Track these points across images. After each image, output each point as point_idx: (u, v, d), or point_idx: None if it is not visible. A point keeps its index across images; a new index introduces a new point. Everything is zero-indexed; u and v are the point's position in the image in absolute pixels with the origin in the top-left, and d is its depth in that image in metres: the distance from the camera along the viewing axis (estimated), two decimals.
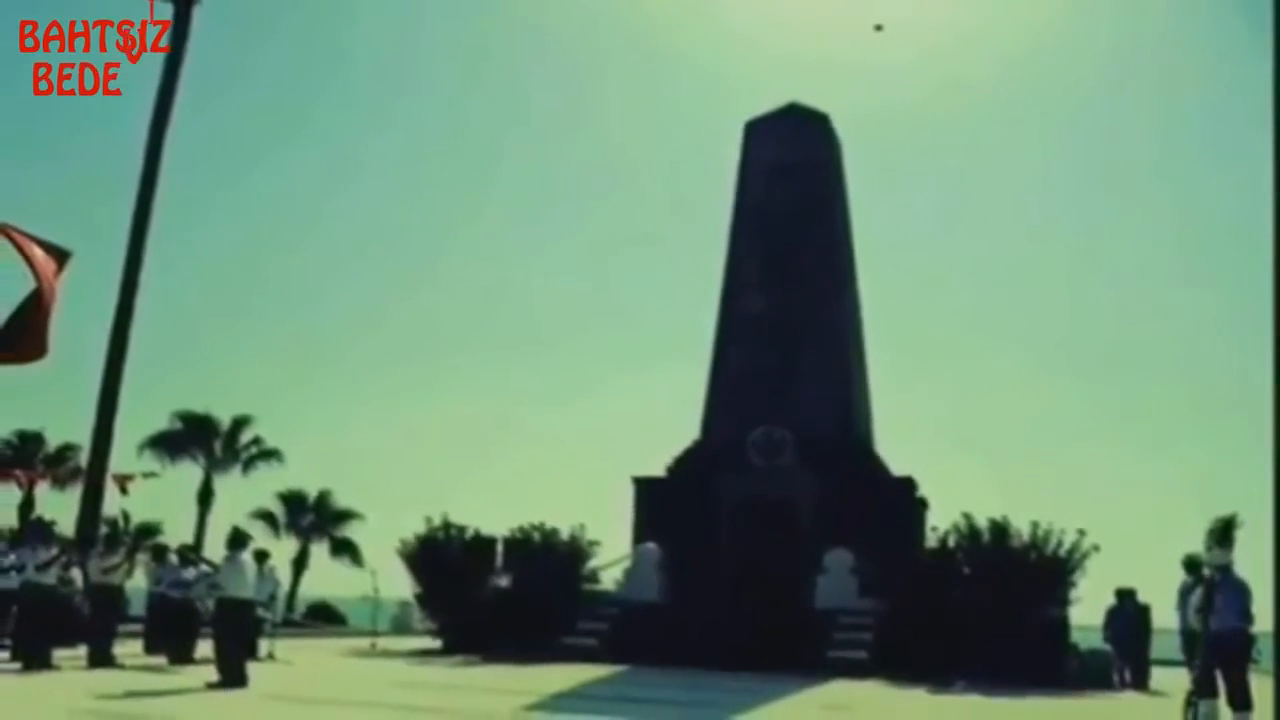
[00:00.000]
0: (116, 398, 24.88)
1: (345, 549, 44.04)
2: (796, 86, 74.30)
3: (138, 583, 21.18)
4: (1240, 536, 12.37)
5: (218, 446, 43.05)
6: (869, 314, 29.74)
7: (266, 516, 43.30)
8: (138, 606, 21.92)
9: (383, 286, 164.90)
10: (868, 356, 29.18)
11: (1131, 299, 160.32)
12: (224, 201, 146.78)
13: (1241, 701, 12.10)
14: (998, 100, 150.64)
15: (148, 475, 31.48)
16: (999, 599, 20.19)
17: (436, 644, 24.51)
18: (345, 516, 44.78)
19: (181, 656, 18.25)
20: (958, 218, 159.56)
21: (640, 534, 25.48)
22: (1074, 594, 20.89)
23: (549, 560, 24.05)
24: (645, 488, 26.27)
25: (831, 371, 26.62)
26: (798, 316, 26.70)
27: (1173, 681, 16.71)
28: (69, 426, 45.08)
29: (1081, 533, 20.69)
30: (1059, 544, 20.62)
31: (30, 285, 19.81)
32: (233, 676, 14.99)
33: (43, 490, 36.17)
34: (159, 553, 21.43)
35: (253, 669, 15.92)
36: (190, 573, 19.97)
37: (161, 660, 18.43)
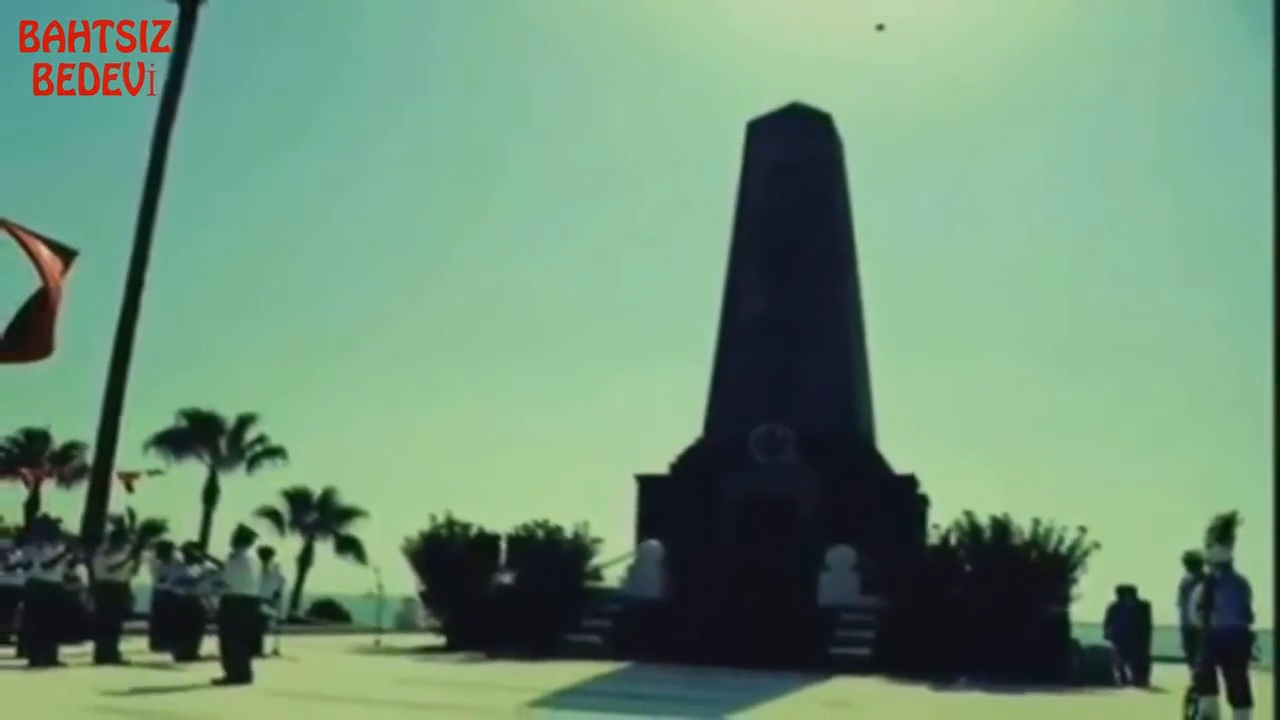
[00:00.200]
0: (122, 396, 24.98)
1: (349, 546, 44.17)
2: (798, 86, 74.51)
3: (143, 580, 21.23)
4: (1240, 534, 12.43)
5: (223, 444, 43.18)
6: (870, 312, 29.83)
7: (271, 514, 43.45)
8: (143, 604, 21.97)
9: (387, 286, 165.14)
10: (869, 355, 29.26)
11: (1132, 297, 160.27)
12: (229, 201, 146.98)
13: (1241, 698, 12.15)
14: (999, 100, 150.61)
15: (153, 473, 31.71)
16: (1000, 596, 20.22)
17: (440, 641, 24.58)
18: (349, 514, 44.92)
19: (187, 653, 18.31)
20: (959, 217, 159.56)
21: (643, 531, 25.54)
22: (1075, 591, 20.91)
23: (552, 558, 24.11)
24: (648, 486, 26.33)
25: (833, 370, 26.67)
26: (799, 315, 26.75)
27: (1173, 678, 16.75)
28: (75, 424, 45.21)
29: (1082, 530, 20.74)
30: (1060, 541, 20.65)
31: (36, 284, 19.92)
32: (238, 673, 15.04)
33: (48, 488, 36.32)
34: (164, 550, 21.50)
35: (258, 666, 15.95)
36: (195, 570, 20.01)
37: (167, 657, 18.51)
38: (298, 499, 44.42)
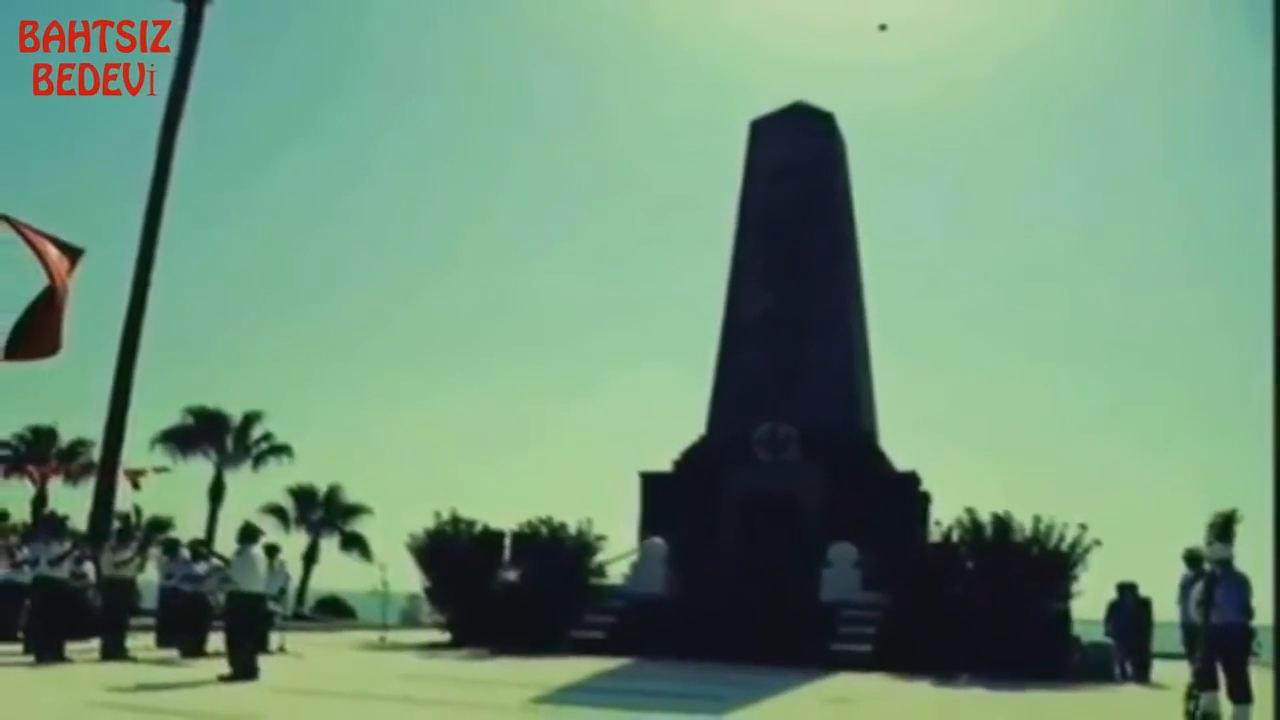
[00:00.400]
0: (128, 394, 25.07)
1: (355, 543, 44.30)
2: (801, 86, 74.43)
3: (150, 577, 21.31)
4: (1240, 531, 12.49)
5: (229, 442, 43.31)
6: (873, 310, 29.87)
7: (277, 511, 43.60)
8: (150, 600, 22.10)
9: (392, 285, 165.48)
10: (872, 352, 29.31)
11: (1132, 295, 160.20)
12: (235, 200, 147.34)
13: (1241, 694, 12.21)
14: (1000, 99, 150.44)
15: (159, 470, 31.79)
16: (1001, 593, 20.23)
17: (445, 637, 24.66)
18: (355, 511, 45.05)
19: (193, 650, 18.38)
20: (961, 215, 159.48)
21: (647, 529, 25.58)
22: (1076, 588, 20.90)
23: (556, 554, 24.18)
24: (652, 483, 26.39)
25: (835, 367, 26.72)
26: (802, 313, 26.81)
27: (1174, 675, 16.77)
28: (82, 422, 45.16)
29: (1083, 527, 20.72)
30: (1061, 538, 20.65)
31: (44, 283, 20.01)
32: (244, 669, 15.10)
33: (55, 485, 36.36)
34: (171, 547, 21.54)
35: (264, 662, 16.02)
36: (202, 567, 20.08)
37: (173, 653, 18.55)
38: (303, 496, 44.55)
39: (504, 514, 25.74)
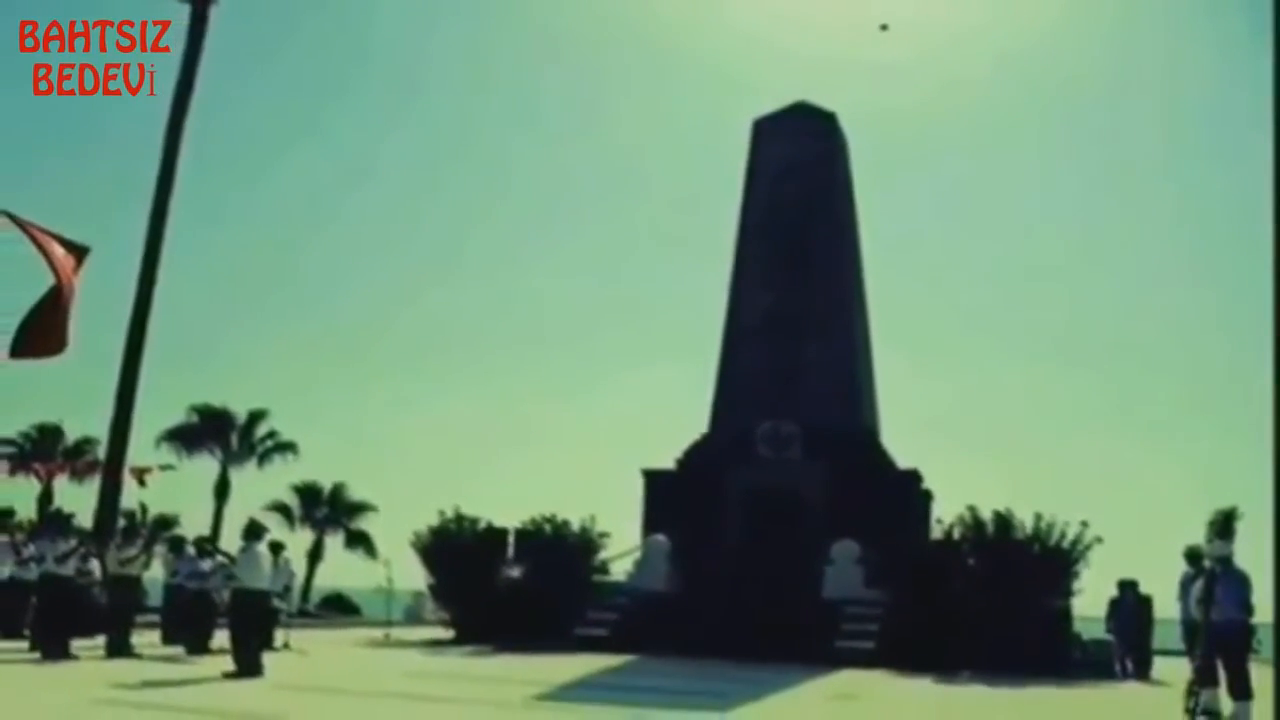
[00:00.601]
0: (134, 392, 25.14)
1: (359, 541, 44.35)
2: (803, 86, 74.43)
3: (155, 574, 21.38)
4: (1240, 529, 12.55)
5: (234, 440, 43.34)
6: (875, 308, 29.96)
7: (282, 509, 43.63)
8: (155, 597, 22.16)
9: (397, 284, 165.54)
10: (874, 350, 29.41)
11: (1133, 293, 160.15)
12: (240, 200, 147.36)
13: (1241, 691, 12.28)
14: (1001, 98, 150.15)
15: (165, 468, 31.87)
16: (1003, 590, 20.31)
17: (449, 634, 24.73)
18: (359, 509, 45.09)
19: (198, 646, 18.45)
20: (963, 214, 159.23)
21: (650, 526, 25.68)
22: (1077, 585, 21.01)
23: (560, 552, 24.26)
24: (655, 480, 26.48)
25: (838, 365, 26.78)
26: (804, 312, 26.88)
27: (1174, 671, 16.79)
28: (87, 420, 45.31)
29: (1084, 525, 20.80)
30: (1062, 536, 20.73)
31: (49, 282, 20.09)
32: (248, 666, 15.13)
33: (61, 483, 36.53)
34: (176, 544, 21.63)
35: (268, 659, 16.06)
36: (207, 564, 20.15)
37: (179, 650, 18.62)
38: (308, 494, 44.61)
39: (508, 511, 25.86)
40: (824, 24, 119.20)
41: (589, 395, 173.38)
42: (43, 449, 41.33)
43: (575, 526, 24.66)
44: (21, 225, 19.79)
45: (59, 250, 19.85)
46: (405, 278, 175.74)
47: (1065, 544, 20.75)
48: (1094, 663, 20.10)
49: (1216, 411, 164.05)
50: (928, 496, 25.14)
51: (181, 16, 26.75)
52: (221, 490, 42.52)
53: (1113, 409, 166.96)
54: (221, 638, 17.40)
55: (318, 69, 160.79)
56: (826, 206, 28.19)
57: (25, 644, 17.72)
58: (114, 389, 25.08)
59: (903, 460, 26.11)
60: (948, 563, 21.26)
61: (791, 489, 24.45)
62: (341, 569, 44.05)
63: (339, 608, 38.12)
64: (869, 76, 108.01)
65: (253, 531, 16.57)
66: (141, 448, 30.97)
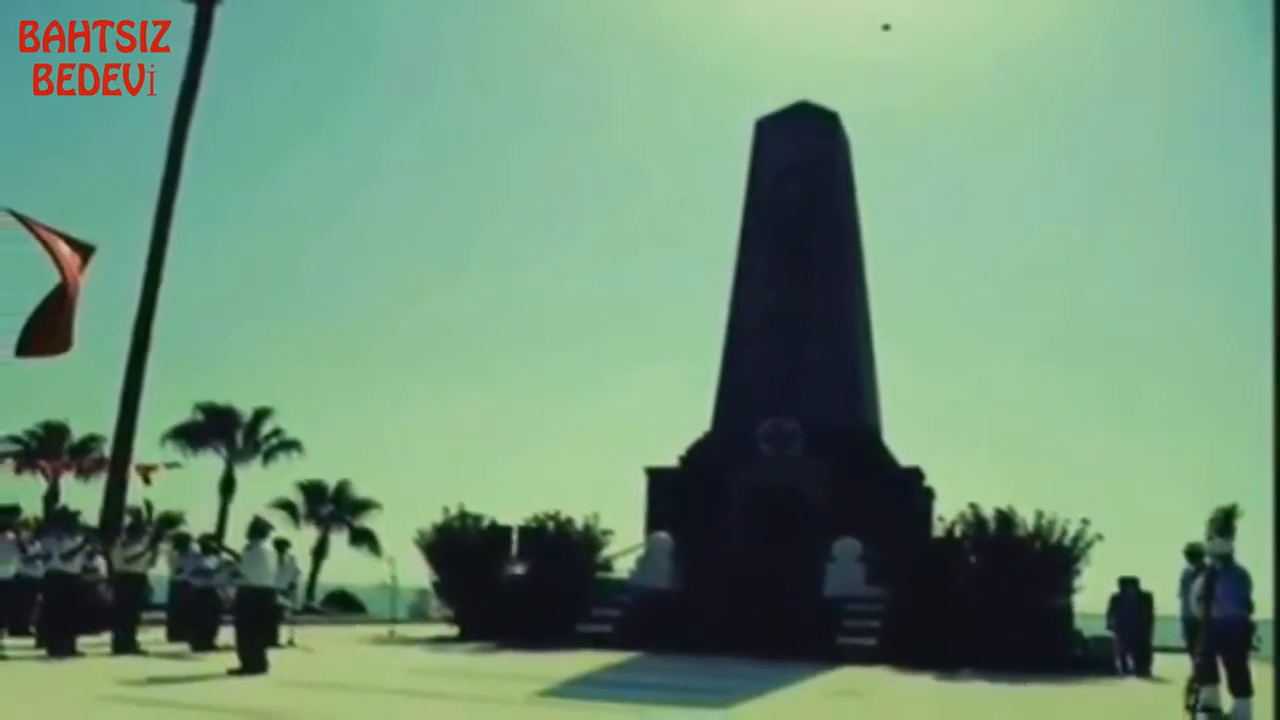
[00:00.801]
0: (140, 390, 25.28)
1: (364, 538, 44.49)
2: (805, 86, 74.41)
3: (161, 571, 21.48)
4: (1241, 526, 12.60)
5: (239, 438, 43.51)
6: (877, 307, 29.99)
7: (287, 506, 43.80)
8: (161, 594, 22.25)
9: (401, 283, 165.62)
10: (875, 348, 29.44)
11: (1134, 292, 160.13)
12: (245, 200, 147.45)
13: (1242, 687, 12.34)
14: (1003, 98, 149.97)
15: (170, 466, 32.05)
16: (1004, 587, 20.33)
17: (453, 631, 24.81)
18: (364, 506, 45.23)
19: (203, 643, 18.51)
20: (964, 213, 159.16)
21: (653, 523, 25.72)
22: (1078, 582, 21.01)
23: (563, 549, 24.30)
24: (657, 478, 26.53)
25: (840, 363, 26.82)
26: (806, 310, 26.92)
27: (1175, 668, 16.80)
28: (93, 418, 45.44)
29: (1085, 522, 20.82)
30: (1063, 533, 20.74)
31: (55, 280, 20.17)
32: (253, 663, 15.21)
33: (67, 481, 36.65)
34: (182, 542, 21.74)
35: (273, 656, 16.15)
36: (212, 561, 20.23)
37: (184, 647, 18.69)
38: (312, 491, 44.75)
39: (511, 509, 25.95)
40: (826, 24, 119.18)
41: (592, 394, 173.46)
42: (49, 447, 41.47)
43: (579, 524, 24.70)
44: (28, 224, 19.89)
45: (65, 249, 19.93)
46: (409, 277, 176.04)
47: (1066, 541, 20.77)
48: (1095, 660, 20.13)
49: (1217, 410, 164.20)
50: (929, 494, 25.16)
51: (183, 16, 26.92)
52: (226, 488, 42.68)
53: (1113, 407, 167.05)
54: (226, 634, 17.43)
55: (321, 69, 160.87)
56: (828, 206, 28.23)
57: (31, 641, 17.82)
58: (119, 387, 25.22)
59: (904, 458, 26.13)
60: (949, 560, 21.30)
61: (793, 487, 24.50)
62: (346, 566, 44.24)
63: (343, 605, 38.21)
64: (871, 76, 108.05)
65: (257, 529, 16.66)
66: (147, 446, 31.07)
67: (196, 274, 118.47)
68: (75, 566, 17.93)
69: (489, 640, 22.41)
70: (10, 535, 17.29)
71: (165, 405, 43.81)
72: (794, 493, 24.38)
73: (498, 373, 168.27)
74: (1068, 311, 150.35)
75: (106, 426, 27.35)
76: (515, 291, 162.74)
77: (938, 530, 22.43)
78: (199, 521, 36.82)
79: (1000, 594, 20.33)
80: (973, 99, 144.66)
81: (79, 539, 18.53)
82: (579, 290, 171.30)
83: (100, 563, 19.41)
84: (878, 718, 13.71)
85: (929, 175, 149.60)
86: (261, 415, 44.01)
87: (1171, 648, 19.92)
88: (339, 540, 44.87)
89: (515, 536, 25.26)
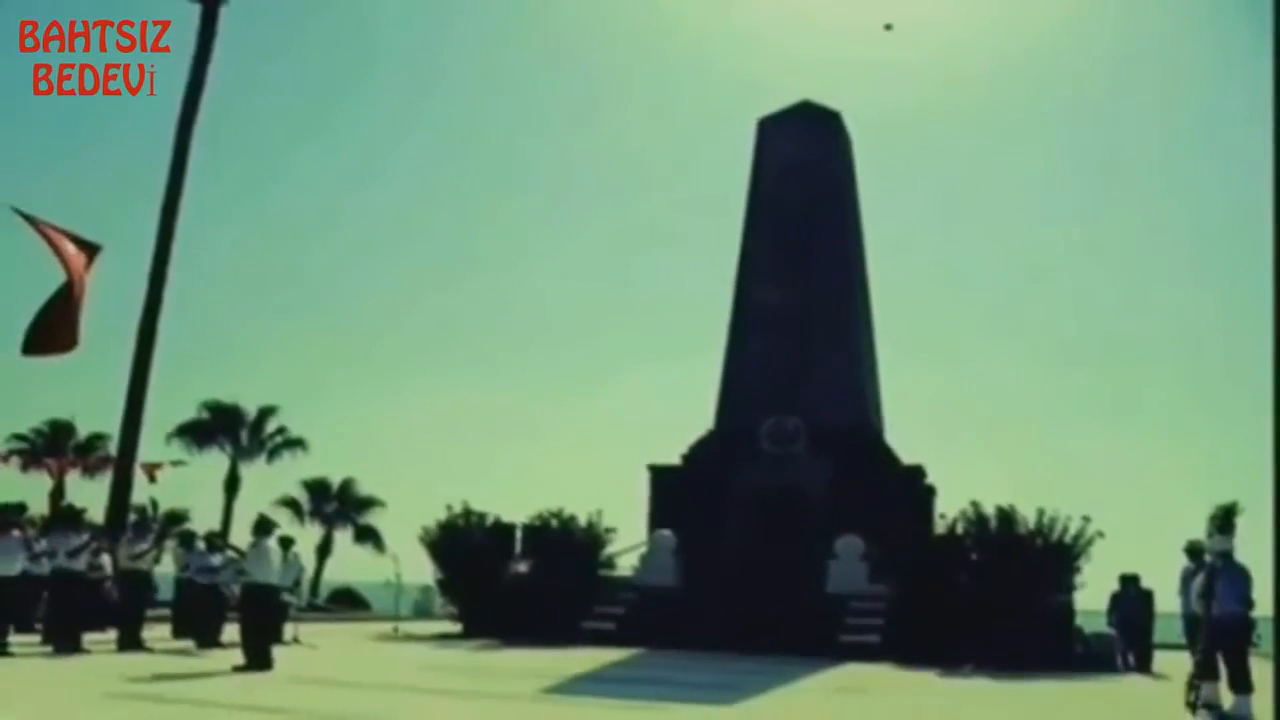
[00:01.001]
0: (145, 388, 25.31)
1: (368, 535, 44.60)
2: (808, 85, 74.43)
3: (166, 568, 21.54)
4: (1240, 524, 12.66)
5: (244, 436, 43.59)
6: (879, 306, 30.10)
7: (291, 504, 43.92)
8: (166, 592, 22.32)
9: (405, 282, 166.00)
10: (877, 347, 29.54)
11: (1135, 290, 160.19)
12: (250, 199, 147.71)
13: (1242, 684, 12.41)
14: (1004, 98, 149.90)
15: (176, 464, 32.12)
16: (1006, 584, 20.35)
17: (457, 628, 24.86)
18: (368, 504, 45.34)
19: (208, 640, 18.53)
20: (966, 212, 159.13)
21: (656, 521, 25.83)
22: (1079, 579, 21.02)
23: (567, 546, 24.30)
24: (661, 476, 26.65)
25: (842, 362, 26.91)
26: (809, 309, 27.01)
27: (1175, 665, 16.84)
28: (99, 416, 45.51)
29: (1086, 519, 20.85)
30: (1064, 531, 20.76)
31: (61, 279, 20.30)
32: (258, 660, 15.27)
33: (73, 478, 36.61)
34: (187, 539, 21.75)
35: (278, 653, 16.19)
36: (217, 559, 20.26)
37: (189, 644, 18.72)
38: (317, 489, 44.86)
39: (515, 507, 26.07)
40: (829, 24, 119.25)
41: (595, 392, 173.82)
42: (54, 445, 41.50)
43: (582, 522, 24.71)
44: (34, 223, 20.01)
45: (71, 248, 20.06)
46: (414, 276, 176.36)
47: (1067, 539, 20.79)
48: (1096, 656, 20.16)
49: (1217, 408, 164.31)
50: (931, 492, 25.25)
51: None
52: (231, 486, 42.76)
53: (1114, 405, 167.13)
54: (231, 632, 17.51)
55: (325, 69, 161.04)
56: (830, 205, 28.31)
57: (37, 638, 17.84)
58: (125, 386, 25.26)
59: (906, 456, 26.23)
60: (951, 558, 21.34)
61: (796, 485, 24.59)
62: (350, 564, 44.34)
63: (348, 602, 38.27)
64: (873, 76, 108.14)
65: (262, 526, 16.73)
66: (152, 444, 31.19)
67: (201, 273, 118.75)
68: (81, 564, 17.95)
69: (492, 637, 22.48)
70: (16, 533, 17.33)
71: (171, 403, 43.90)
72: (796, 491, 24.48)
73: (502, 371, 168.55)
74: (1069, 310, 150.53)
75: (112, 424, 27.44)
76: (520, 290, 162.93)
77: (939, 528, 22.49)
78: (204, 519, 36.95)
79: (1002, 591, 20.35)
80: (974, 98, 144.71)
81: (84, 537, 18.56)
82: (582, 289, 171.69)
83: (106, 560, 19.43)
84: (880, 714, 13.73)
85: (930, 175, 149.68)
86: (266, 413, 44.11)
87: (1172, 645, 19.93)
88: (343, 538, 45.02)
89: (519, 534, 25.30)
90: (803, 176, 28.06)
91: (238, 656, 15.56)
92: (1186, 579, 16.34)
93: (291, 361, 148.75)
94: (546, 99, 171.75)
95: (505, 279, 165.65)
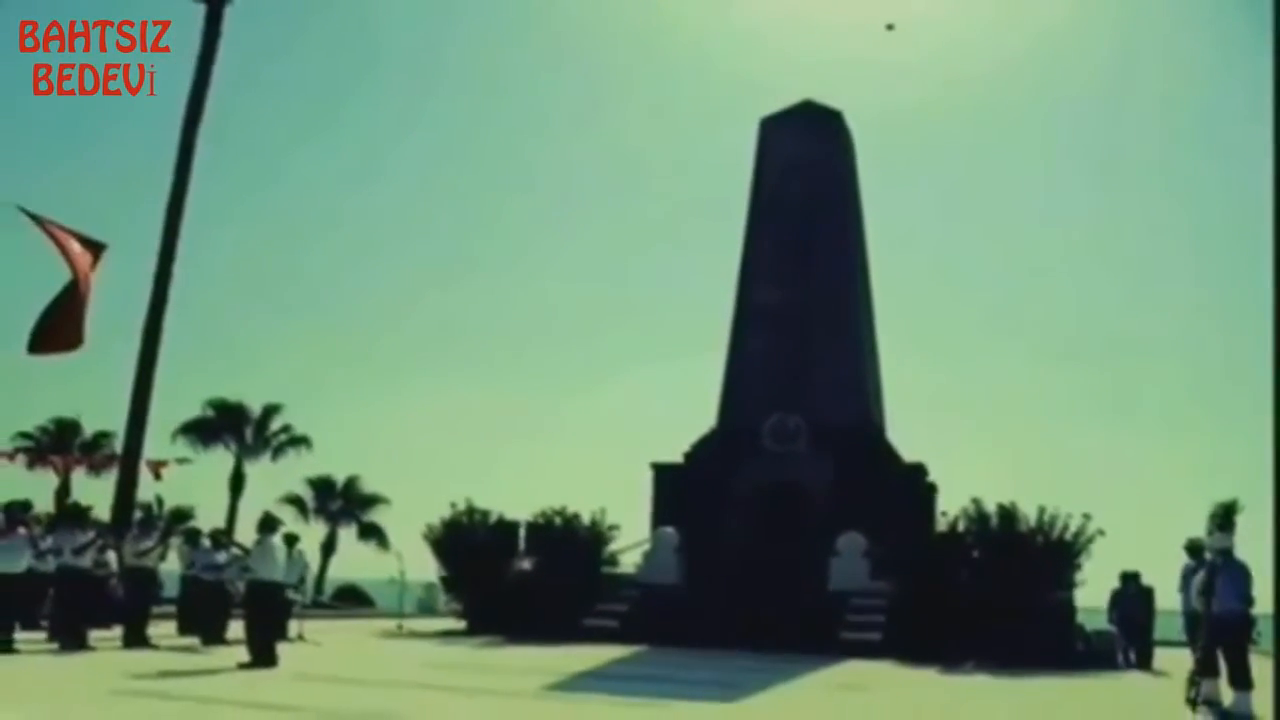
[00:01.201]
0: (150, 386, 25.38)
1: (372, 533, 44.60)
2: (810, 85, 74.42)
3: (171, 566, 21.55)
4: (1240, 521, 12.70)
5: (249, 433, 43.57)
6: (880, 304, 30.12)
7: (296, 501, 43.90)
8: (171, 589, 22.35)
9: (409, 280, 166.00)
10: (879, 345, 29.56)
11: (1136, 288, 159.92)
12: (255, 198, 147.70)
13: (1241, 681, 12.46)
14: (1006, 97, 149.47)
15: (181, 461, 32.28)
16: (1007, 582, 20.44)
17: (461, 625, 24.94)
18: (372, 501, 45.32)
19: (213, 637, 18.58)
20: (967, 210, 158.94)
21: (659, 518, 25.88)
22: (1080, 577, 21.13)
23: (570, 544, 24.39)
24: (663, 474, 26.69)
25: (844, 360, 26.96)
26: (811, 307, 27.06)
27: (1176, 662, 16.95)
28: (104, 414, 45.55)
29: (1087, 517, 20.98)
30: (1065, 528, 20.86)
31: (66, 278, 20.35)
32: (263, 657, 15.32)
33: (79, 476, 36.71)
34: (192, 536, 21.78)
35: (283, 649, 16.27)
36: (222, 556, 20.30)
37: (194, 641, 18.77)
38: (321, 487, 44.86)
39: (519, 504, 26.10)
40: (830, 24, 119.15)
41: (598, 390, 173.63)
42: (60, 443, 41.52)
43: (585, 519, 24.79)
44: (40, 222, 20.07)
45: (76, 247, 20.11)
46: (418, 274, 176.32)
47: (1068, 536, 20.88)
48: (1096, 653, 20.23)
49: (1217, 406, 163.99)
50: (932, 489, 25.28)
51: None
52: (236, 483, 42.76)
53: (1115, 403, 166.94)
54: (236, 629, 17.53)
55: (328, 69, 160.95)
56: (832, 203, 28.36)
57: (43, 635, 17.86)
58: (131, 384, 25.33)
59: (908, 454, 26.28)
60: (952, 555, 21.43)
61: (797, 482, 24.65)
62: (354, 561, 44.38)
63: (352, 599, 38.30)
64: (874, 76, 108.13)
65: (267, 524, 16.77)
66: (157, 442, 31.25)
67: (205, 271, 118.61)
68: (86, 561, 17.98)
69: (496, 634, 22.55)
70: (22, 530, 17.37)
71: (176, 402, 43.94)
72: (798, 488, 24.54)
73: (505, 370, 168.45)
74: (1070, 308, 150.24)
75: (117, 423, 27.46)
76: (522, 289, 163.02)
77: (941, 525, 22.54)
78: (209, 516, 36.89)
79: (1003, 589, 20.43)
80: (975, 98, 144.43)
81: (90, 534, 18.57)
82: (585, 288, 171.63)
83: (111, 557, 19.50)
84: (882, 711, 13.79)
85: (932, 174, 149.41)
86: (271, 411, 44.11)
87: (1172, 642, 19.99)
88: (348, 535, 44.99)
89: (522, 532, 25.37)
90: (804, 176, 28.12)
91: (243, 653, 15.61)
92: (1187, 576, 16.35)
93: (295, 360, 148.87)
94: (547, 99, 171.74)
95: (508, 278, 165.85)
